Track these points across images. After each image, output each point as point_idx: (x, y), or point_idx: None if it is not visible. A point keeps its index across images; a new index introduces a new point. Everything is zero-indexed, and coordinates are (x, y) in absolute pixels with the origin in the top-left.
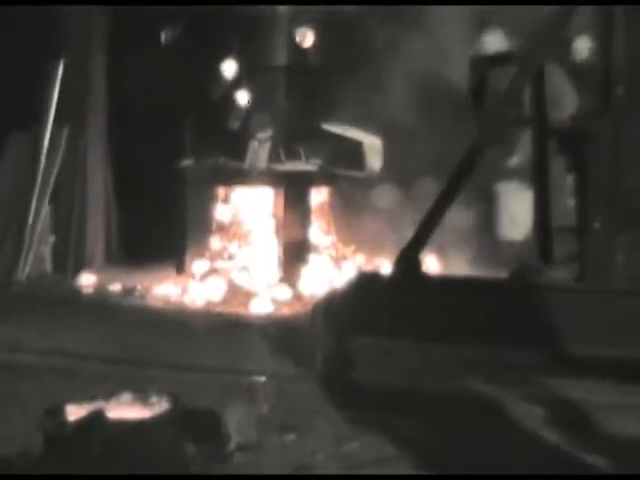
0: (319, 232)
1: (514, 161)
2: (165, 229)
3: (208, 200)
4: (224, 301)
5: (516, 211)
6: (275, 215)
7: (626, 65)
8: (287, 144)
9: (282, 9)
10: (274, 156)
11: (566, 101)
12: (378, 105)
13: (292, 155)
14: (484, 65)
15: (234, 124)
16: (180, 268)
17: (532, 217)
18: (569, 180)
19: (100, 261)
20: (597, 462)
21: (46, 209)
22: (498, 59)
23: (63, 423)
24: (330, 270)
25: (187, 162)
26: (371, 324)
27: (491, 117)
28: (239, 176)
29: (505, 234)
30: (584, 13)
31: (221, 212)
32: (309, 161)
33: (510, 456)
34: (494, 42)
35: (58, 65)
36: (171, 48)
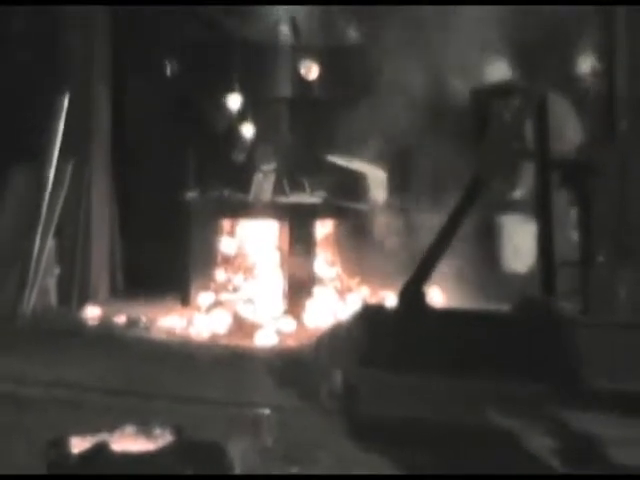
0: (324, 264)
1: (517, 194)
2: (170, 261)
3: (213, 232)
4: (229, 333)
5: (520, 243)
6: (280, 247)
7: (630, 97)
8: (291, 176)
9: (285, 41)
10: (278, 188)
11: (569, 133)
12: (382, 137)
13: (296, 187)
14: (486, 97)
15: (238, 156)
16: (185, 300)
17: (536, 250)
18: (573, 213)
19: (105, 293)
20: None
21: (51, 242)
22: (500, 90)
23: (67, 455)
24: (335, 302)
25: (191, 194)
26: (375, 357)
27: (493, 149)
28: (244, 208)
29: (509, 266)
30: (587, 44)
31: (226, 244)
32: (313, 193)
33: None
34: (496, 72)
35: (62, 98)
36: (175, 80)
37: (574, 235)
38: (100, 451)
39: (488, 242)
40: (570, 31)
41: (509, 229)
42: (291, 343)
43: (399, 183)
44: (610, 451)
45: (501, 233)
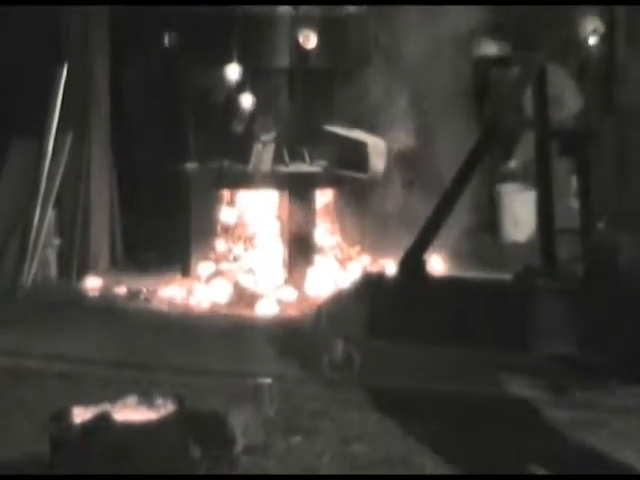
0: (324, 233)
1: (517, 162)
2: (170, 232)
3: (212, 203)
4: (229, 303)
5: (519, 213)
6: (280, 217)
7: (628, 66)
8: (291, 146)
9: (284, 11)
10: (278, 158)
11: (568, 102)
12: (381, 106)
13: (296, 157)
14: (487, 66)
15: (238, 127)
16: (185, 271)
17: (535, 218)
18: (572, 181)
19: (105, 265)
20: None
21: (50, 213)
22: (500, 60)
23: (69, 426)
24: (335, 271)
25: (191, 165)
26: (376, 325)
27: (493, 118)
28: (243, 179)
29: (509, 236)
30: (587, 12)
31: (226, 214)
32: (313, 163)
33: (517, 456)
34: (496, 42)
35: (61, 70)
36: (173, 51)
37: (574, 204)
38: (102, 421)
39: (488, 211)
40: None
41: (509, 198)
42: (292, 313)
43: (400, 152)
44: (613, 419)
45: (501, 202)
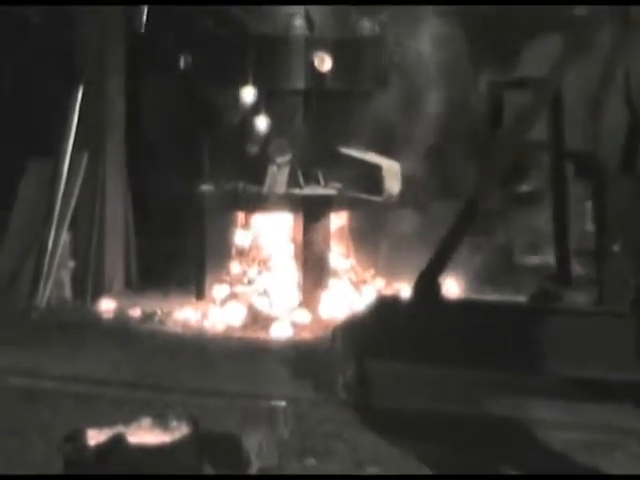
0: (338, 256)
1: (531, 185)
2: (184, 254)
3: (227, 225)
4: (244, 326)
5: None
6: (294, 239)
7: None
8: (306, 168)
9: (298, 33)
10: (293, 180)
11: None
12: (396, 129)
13: (311, 179)
14: (501, 88)
15: (253, 149)
16: (200, 293)
17: (551, 241)
18: (587, 205)
19: (119, 286)
20: None
21: (65, 235)
22: (515, 82)
23: (83, 448)
24: (350, 294)
25: (206, 187)
26: (391, 348)
27: (508, 140)
28: (258, 201)
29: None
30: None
31: (240, 237)
32: (328, 185)
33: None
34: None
35: (76, 91)
36: (188, 73)
37: (589, 227)
38: (117, 443)
39: (503, 234)
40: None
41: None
42: (306, 335)
43: (414, 174)
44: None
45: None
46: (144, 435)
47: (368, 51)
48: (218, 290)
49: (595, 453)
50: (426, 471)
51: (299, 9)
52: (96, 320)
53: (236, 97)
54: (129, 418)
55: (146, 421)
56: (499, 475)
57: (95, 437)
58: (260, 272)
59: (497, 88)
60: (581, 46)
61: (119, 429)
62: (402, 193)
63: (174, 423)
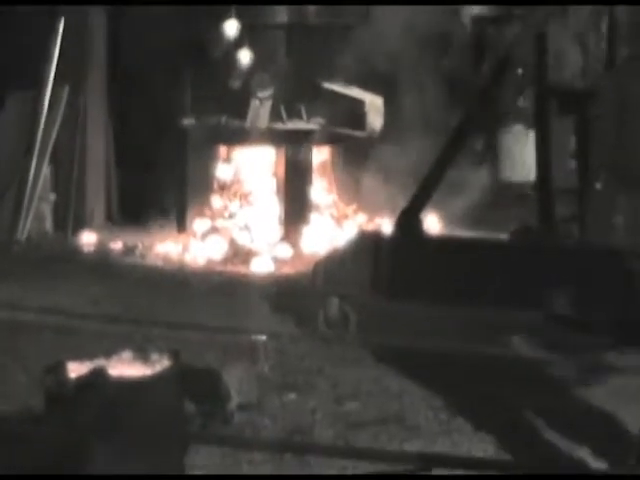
0: (320, 191)
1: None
2: (166, 188)
3: (209, 159)
4: (225, 260)
5: (517, 154)
6: (276, 174)
7: (630, 22)
8: (288, 103)
9: None
10: (275, 115)
11: (569, 60)
12: (379, 63)
13: (293, 114)
14: (486, 24)
15: (235, 83)
16: (181, 227)
17: (534, 162)
18: (571, 141)
19: (100, 220)
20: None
21: (46, 168)
22: (500, 18)
23: (64, 380)
24: (331, 229)
25: (188, 121)
26: (372, 283)
27: (492, 74)
28: (240, 135)
29: (506, 176)
30: None
31: (222, 171)
32: (310, 120)
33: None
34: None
35: (58, 23)
36: (171, 6)
37: (572, 163)
38: (97, 376)
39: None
40: None
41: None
42: (287, 270)
43: (397, 109)
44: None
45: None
46: (125, 368)
47: None
48: (199, 224)
49: (577, 389)
50: (406, 407)
51: None
52: (77, 253)
53: (219, 31)
54: (110, 351)
55: (127, 354)
56: (499, 475)
57: (76, 370)
58: (241, 206)
59: (482, 23)
60: None
61: (100, 362)
62: (384, 128)
63: (155, 356)
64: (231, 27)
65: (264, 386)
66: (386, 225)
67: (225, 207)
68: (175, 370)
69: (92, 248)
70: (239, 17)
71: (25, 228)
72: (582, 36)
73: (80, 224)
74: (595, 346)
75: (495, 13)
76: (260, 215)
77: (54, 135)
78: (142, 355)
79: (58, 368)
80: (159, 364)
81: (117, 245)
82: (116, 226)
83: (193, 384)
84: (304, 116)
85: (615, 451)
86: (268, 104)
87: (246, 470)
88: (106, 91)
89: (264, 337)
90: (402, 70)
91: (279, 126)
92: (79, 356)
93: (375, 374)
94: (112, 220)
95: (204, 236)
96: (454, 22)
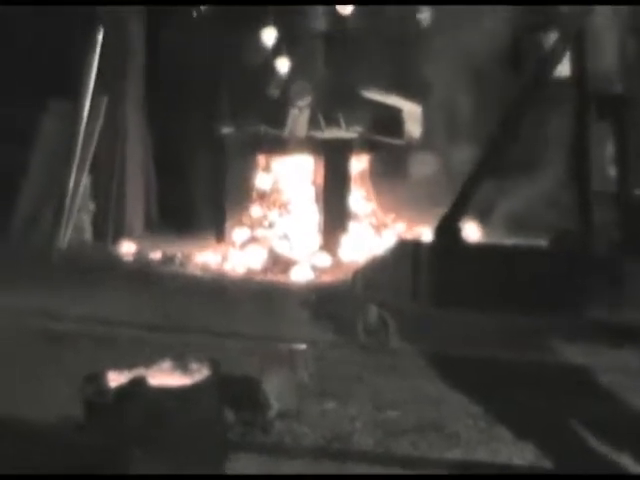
0: (359, 200)
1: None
2: (205, 197)
3: (248, 168)
4: (264, 269)
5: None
6: (315, 183)
7: None
8: (327, 112)
9: None
10: (314, 123)
11: (607, 64)
12: (418, 72)
13: (332, 123)
14: (523, 30)
15: (274, 92)
16: (220, 236)
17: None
18: (609, 147)
19: (140, 229)
20: None
21: (86, 178)
22: (537, 23)
23: (104, 390)
24: (370, 238)
25: (227, 130)
26: (411, 292)
27: (531, 81)
28: (279, 144)
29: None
30: None
31: (261, 180)
32: (349, 129)
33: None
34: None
35: (97, 33)
36: (210, 15)
37: (611, 169)
38: (137, 386)
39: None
40: None
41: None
42: (326, 278)
43: (436, 119)
44: None
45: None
46: (164, 377)
47: None
48: (238, 233)
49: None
50: (445, 415)
51: None
52: (116, 262)
53: (257, 39)
54: (149, 360)
55: (166, 363)
56: (500, 475)
57: (115, 379)
58: (280, 215)
59: (519, 29)
60: None
61: (139, 371)
62: (423, 136)
63: (194, 366)
64: (269, 35)
65: (303, 394)
66: (425, 234)
67: (264, 216)
68: (214, 379)
69: (131, 257)
70: (277, 25)
71: (65, 238)
72: (620, 39)
73: (120, 233)
74: (635, 352)
75: (531, 21)
76: (299, 224)
77: (93, 146)
78: (181, 364)
79: (98, 378)
80: (198, 373)
81: (156, 254)
82: (155, 235)
83: (232, 392)
84: (342, 124)
85: None
86: (306, 112)
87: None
88: (145, 101)
89: (303, 345)
90: (441, 78)
91: (318, 135)
92: (118, 364)
93: (414, 382)
94: (151, 229)
95: (243, 245)
96: (494, 29)
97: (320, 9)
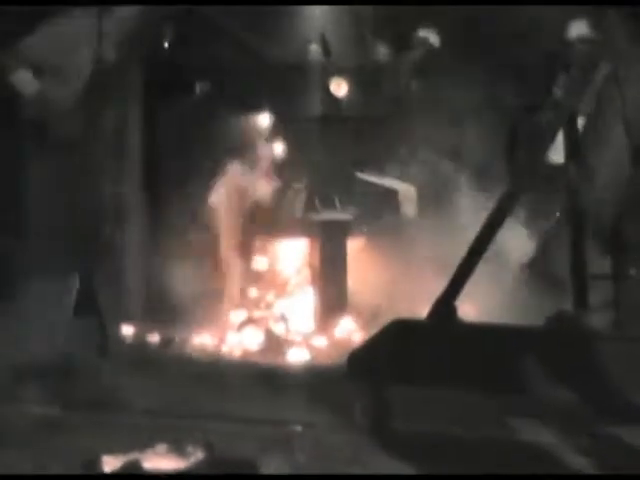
0: (355, 280)
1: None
2: (199, 277)
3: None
4: (261, 351)
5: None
6: (311, 264)
7: None
8: (322, 193)
9: (315, 59)
10: (309, 205)
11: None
12: (412, 153)
13: (327, 204)
14: (517, 111)
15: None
16: (216, 318)
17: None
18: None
19: (138, 312)
20: None
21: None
22: (531, 105)
23: (99, 475)
24: (366, 318)
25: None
26: (408, 372)
27: (524, 165)
28: (275, 225)
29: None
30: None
31: (257, 262)
32: (344, 210)
33: None
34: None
35: None
36: (205, 100)
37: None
38: (132, 470)
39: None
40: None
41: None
42: (323, 360)
43: (431, 199)
44: None
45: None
46: (159, 461)
47: (385, 76)
48: (235, 315)
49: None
50: None
51: (315, 34)
52: (114, 346)
53: (253, 123)
54: (145, 444)
55: (161, 447)
56: (500, 475)
57: (110, 463)
58: (277, 297)
59: (513, 110)
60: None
61: (134, 455)
62: (419, 217)
63: (190, 449)
64: (264, 119)
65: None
66: (420, 313)
67: (261, 298)
68: (210, 462)
69: (129, 340)
70: (272, 109)
71: None
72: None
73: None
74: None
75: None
76: (296, 305)
77: None
78: (177, 448)
79: (93, 462)
80: (194, 456)
81: (154, 337)
82: (153, 318)
83: (229, 475)
84: (338, 206)
85: None
86: (302, 195)
87: None
88: (142, 186)
89: (300, 427)
90: (435, 160)
91: (313, 216)
92: (114, 449)
93: (412, 462)
94: (149, 312)
95: (240, 327)
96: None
97: (315, 93)
